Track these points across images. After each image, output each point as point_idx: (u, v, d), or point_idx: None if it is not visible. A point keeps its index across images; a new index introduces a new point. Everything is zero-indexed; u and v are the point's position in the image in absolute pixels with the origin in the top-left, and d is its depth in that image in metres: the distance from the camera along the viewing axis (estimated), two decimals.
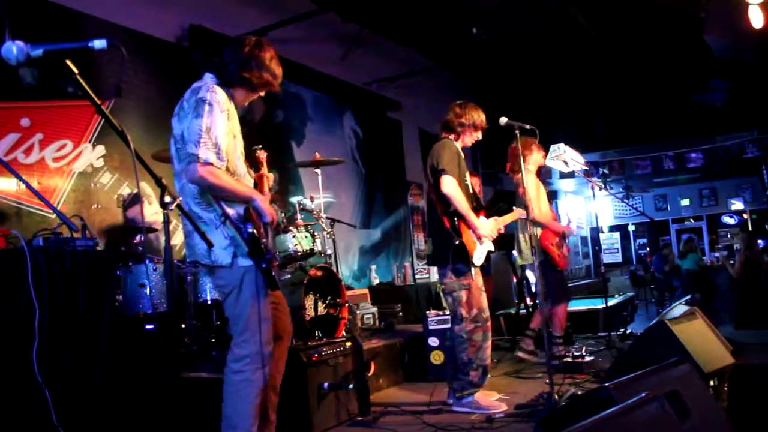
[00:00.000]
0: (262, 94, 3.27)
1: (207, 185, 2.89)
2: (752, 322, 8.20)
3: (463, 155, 4.65)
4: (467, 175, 4.65)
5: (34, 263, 2.99)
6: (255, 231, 2.91)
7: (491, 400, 4.45)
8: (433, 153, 4.56)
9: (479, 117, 4.69)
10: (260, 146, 3.71)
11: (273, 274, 2.99)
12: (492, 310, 7.05)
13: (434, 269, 10.51)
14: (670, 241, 17.52)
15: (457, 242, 4.35)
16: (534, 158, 5.85)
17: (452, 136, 4.67)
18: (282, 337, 3.34)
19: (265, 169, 3.63)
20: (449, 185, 4.36)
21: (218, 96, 2.98)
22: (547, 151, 6.16)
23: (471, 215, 4.42)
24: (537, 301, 6.92)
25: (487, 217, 4.67)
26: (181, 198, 2.40)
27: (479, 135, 4.76)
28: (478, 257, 4.46)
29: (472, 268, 4.42)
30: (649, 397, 2.41)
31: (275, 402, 3.31)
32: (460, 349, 4.40)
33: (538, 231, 5.75)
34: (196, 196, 2.97)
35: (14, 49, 1.79)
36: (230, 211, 2.95)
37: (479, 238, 4.49)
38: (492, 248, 4.66)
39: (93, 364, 3.29)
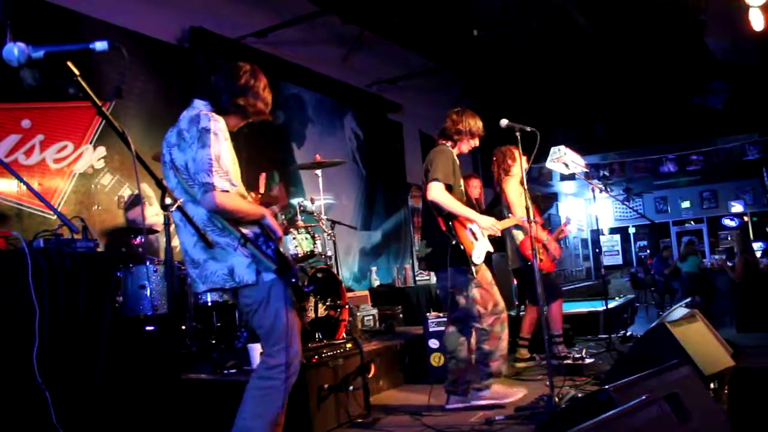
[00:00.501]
0: (251, 121, 3.29)
1: (227, 211, 2.92)
2: (754, 325, 8.20)
3: (458, 162, 4.66)
4: (461, 181, 4.69)
5: (35, 264, 2.99)
6: (278, 247, 2.99)
7: (507, 388, 4.54)
8: (428, 159, 4.60)
9: (476, 124, 4.72)
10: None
11: (300, 286, 3.07)
12: None
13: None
14: (670, 244, 17.53)
15: (453, 242, 4.35)
16: (516, 166, 5.85)
17: (449, 144, 4.68)
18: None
19: (262, 190, 3.65)
20: (434, 191, 4.39)
21: (220, 125, 3.01)
22: (547, 153, 6.17)
23: (466, 211, 4.44)
24: (521, 309, 6.99)
25: None
26: (181, 200, 2.40)
27: (476, 142, 4.78)
28: (478, 255, 4.46)
29: (473, 267, 4.43)
30: (649, 400, 2.41)
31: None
32: (483, 341, 4.48)
33: (520, 236, 5.78)
34: (207, 223, 2.98)
35: (16, 50, 1.80)
36: (249, 232, 2.98)
37: (475, 237, 4.51)
38: (491, 248, 4.66)
39: (93, 365, 3.29)
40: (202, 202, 2.92)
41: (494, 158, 6.03)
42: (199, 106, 3.12)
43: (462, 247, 4.36)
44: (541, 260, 5.71)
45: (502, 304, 4.53)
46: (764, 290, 9.40)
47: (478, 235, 4.57)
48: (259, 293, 3.01)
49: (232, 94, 3.11)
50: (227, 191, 2.89)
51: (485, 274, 4.50)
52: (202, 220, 2.98)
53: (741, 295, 9.49)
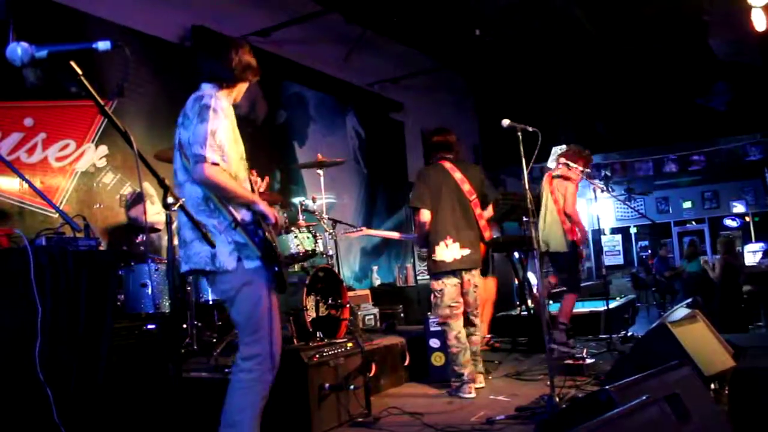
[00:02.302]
0: (252, 82, 3.34)
1: (213, 184, 2.94)
2: (733, 326, 8.26)
3: (443, 174, 5.19)
4: (447, 192, 5.15)
5: (37, 263, 3.00)
6: (268, 235, 3.00)
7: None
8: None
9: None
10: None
11: (284, 277, 3.05)
12: (494, 311, 7.17)
13: None
14: (670, 243, 17.50)
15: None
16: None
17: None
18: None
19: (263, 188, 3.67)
20: (421, 217, 5.17)
21: (221, 102, 3.06)
22: (548, 152, 6.20)
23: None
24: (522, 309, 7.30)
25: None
26: (184, 199, 2.40)
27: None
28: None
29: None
30: (649, 400, 2.41)
31: None
32: None
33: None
34: (201, 203, 3.01)
35: (19, 50, 1.81)
36: (241, 216, 3.00)
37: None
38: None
39: (94, 363, 3.30)
40: (192, 174, 2.95)
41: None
42: (205, 88, 3.18)
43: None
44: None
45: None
46: (741, 292, 9.60)
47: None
48: (238, 280, 3.01)
49: (228, 66, 3.18)
50: (217, 164, 2.91)
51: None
52: (197, 199, 3.01)
53: (722, 297, 9.65)
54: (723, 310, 9.39)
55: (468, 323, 5.19)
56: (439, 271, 5.07)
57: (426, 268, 5.37)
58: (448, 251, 5.02)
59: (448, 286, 5.05)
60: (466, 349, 5.00)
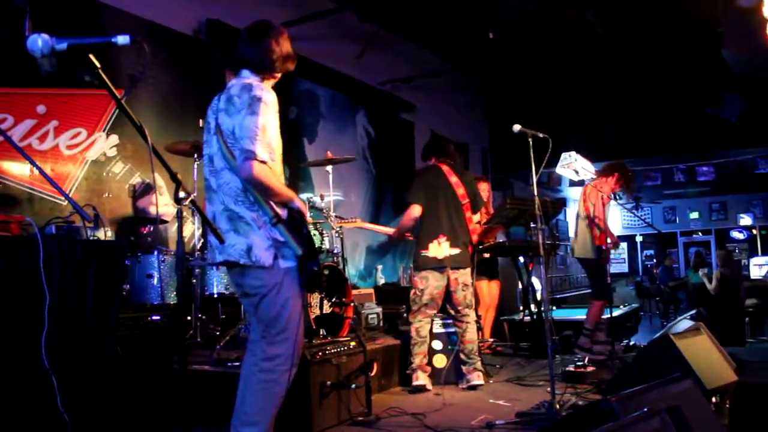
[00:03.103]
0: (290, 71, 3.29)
1: (259, 183, 2.88)
2: (730, 339, 8.27)
3: (438, 173, 5.45)
4: (442, 193, 5.33)
5: (47, 251, 3.01)
6: (309, 234, 2.97)
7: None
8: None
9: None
10: None
11: (319, 275, 3.01)
12: (497, 315, 7.20)
13: None
14: (670, 253, 17.47)
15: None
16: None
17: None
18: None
19: None
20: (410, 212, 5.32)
21: (271, 96, 2.98)
22: (558, 158, 6.21)
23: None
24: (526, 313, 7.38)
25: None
26: (195, 194, 2.42)
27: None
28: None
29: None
30: (650, 412, 2.42)
31: None
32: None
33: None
34: (240, 194, 2.96)
35: (40, 42, 1.83)
36: (282, 215, 2.96)
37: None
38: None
39: (99, 352, 3.32)
40: (240, 169, 2.87)
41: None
42: (247, 75, 3.12)
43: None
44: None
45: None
46: (737, 305, 9.65)
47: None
48: (272, 278, 2.95)
49: (270, 57, 3.12)
50: (265, 162, 2.85)
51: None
52: (236, 189, 2.95)
53: (719, 309, 9.71)
54: (720, 323, 9.41)
55: (456, 320, 5.36)
56: (427, 266, 5.24)
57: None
58: (440, 249, 5.20)
59: (431, 282, 5.24)
60: (423, 343, 5.29)
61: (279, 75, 3.21)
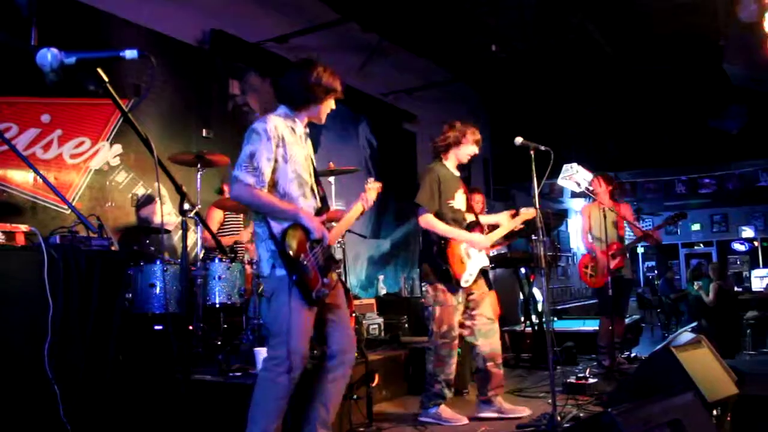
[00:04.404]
0: (331, 103, 3.60)
1: (244, 203, 3.30)
2: (726, 350, 8.28)
3: (454, 174, 4.81)
4: (457, 193, 4.77)
5: (51, 261, 3.03)
6: (291, 247, 3.18)
7: (453, 413, 4.53)
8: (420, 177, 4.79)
9: (454, 134, 4.78)
10: None
11: (309, 288, 3.19)
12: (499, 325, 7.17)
13: None
14: (672, 265, 17.46)
15: (444, 268, 4.49)
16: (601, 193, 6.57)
17: (441, 159, 4.84)
18: (335, 356, 3.46)
19: None
20: (421, 221, 4.64)
21: (268, 125, 3.28)
22: (559, 170, 6.24)
23: (457, 233, 4.57)
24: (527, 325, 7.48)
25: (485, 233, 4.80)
26: (199, 206, 2.45)
27: (470, 150, 4.80)
28: (466, 279, 4.55)
29: (459, 290, 4.55)
30: (652, 425, 2.42)
31: (324, 417, 3.43)
32: (429, 360, 4.61)
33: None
34: (254, 212, 3.34)
35: (49, 56, 1.85)
36: (276, 229, 3.22)
37: (468, 254, 4.60)
38: (486, 264, 4.73)
39: (103, 362, 3.33)
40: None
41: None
42: (278, 110, 3.47)
43: (449, 273, 4.48)
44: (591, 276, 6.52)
45: (455, 332, 4.57)
46: (734, 316, 9.73)
47: (473, 253, 4.65)
48: (270, 286, 3.28)
49: (295, 90, 3.43)
50: (249, 185, 3.16)
51: (458, 297, 4.57)
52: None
53: (716, 321, 9.78)
54: (717, 335, 9.43)
55: None
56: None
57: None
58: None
59: None
60: None
61: (313, 106, 3.51)
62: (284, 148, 3.31)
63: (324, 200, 3.54)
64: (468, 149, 4.78)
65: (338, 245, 5.88)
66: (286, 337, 3.14)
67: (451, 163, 4.81)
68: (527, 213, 4.92)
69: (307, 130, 3.57)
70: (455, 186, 4.75)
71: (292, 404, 3.32)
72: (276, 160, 3.27)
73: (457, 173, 4.84)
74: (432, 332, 4.58)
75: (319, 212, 3.46)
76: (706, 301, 10.58)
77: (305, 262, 3.21)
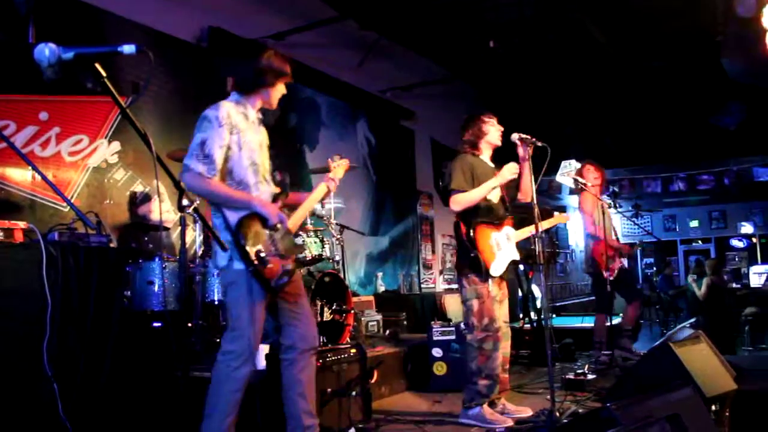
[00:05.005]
0: (282, 87, 3.50)
1: (196, 192, 3.13)
2: (720, 347, 8.31)
3: (487, 166, 4.64)
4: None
5: (49, 257, 3.03)
6: (247, 238, 3.11)
7: (497, 414, 4.40)
8: (447, 170, 4.63)
9: (480, 128, 4.68)
10: None
11: (267, 278, 3.15)
12: None
13: (440, 279, 10.59)
14: (670, 262, 17.48)
15: (472, 255, 4.37)
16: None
17: (468, 150, 4.67)
18: (298, 345, 3.43)
19: None
20: (452, 205, 4.47)
21: (219, 112, 3.21)
22: (558, 166, 6.25)
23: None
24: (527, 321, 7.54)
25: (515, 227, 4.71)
26: (198, 201, 2.45)
27: (494, 133, 4.70)
28: (496, 268, 4.45)
29: (490, 280, 4.44)
30: (650, 420, 2.43)
31: (305, 407, 3.42)
32: (470, 357, 4.42)
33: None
34: (209, 203, 3.24)
35: (47, 51, 1.85)
36: (231, 219, 3.15)
37: (499, 246, 4.50)
38: (516, 257, 4.65)
39: (101, 359, 3.33)
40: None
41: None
42: (230, 97, 3.38)
43: (480, 259, 4.36)
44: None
45: (498, 323, 4.46)
46: (725, 311, 9.80)
47: (503, 245, 4.55)
48: (226, 278, 3.22)
49: (246, 76, 3.37)
50: (200, 173, 3.08)
51: (492, 288, 4.47)
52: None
53: (707, 316, 9.87)
54: (710, 331, 9.49)
55: None
56: None
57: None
58: None
59: None
60: None
61: (263, 90, 3.43)
62: (238, 135, 3.25)
63: (283, 186, 3.51)
64: (493, 134, 4.68)
65: (337, 242, 5.88)
66: (246, 330, 3.13)
67: (485, 155, 4.69)
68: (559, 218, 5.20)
69: (260, 116, 3.48)
70: (490, 177, 4.56)
71: (262, 401, 3.31)
72: (230, 147, 3.21)
73: (492, 165, 4.69)
74: (473, 327, 4.41)
75: (275, 198, 3.43)
76: (698, 295, 10.70)
77: (262, 253, 3.15)
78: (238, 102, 3.36)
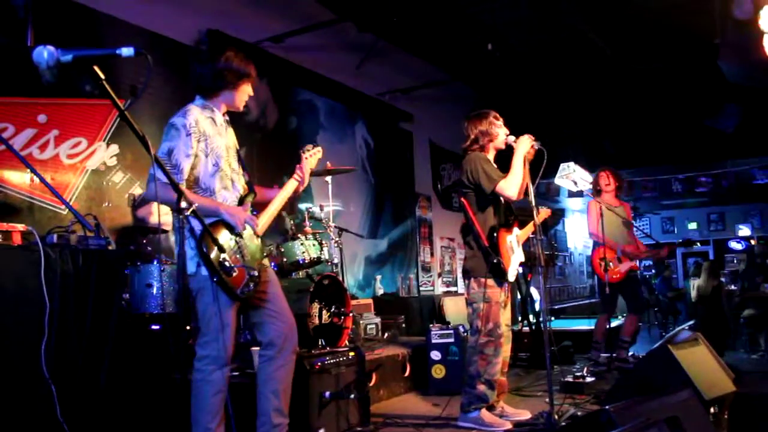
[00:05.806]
0: (248, 89, 3.46)
1: (163, 201, 3.04)
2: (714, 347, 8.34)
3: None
4: None
5: (48, 260, 3.03)
6: (211, 248, 3.07)
7: (495, 418, 4.40)
8: (465, 167, 4.53)
9: (489, 127, 4.61)
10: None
11: (231, 286, 3.12)
12: None
13: (438, 282, 10.58)
14: (669, 264, 17.49)
15: (495, 261, 4.33)
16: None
17: (477, 149, 4.62)
18: (275, 343, 3.40)
19: None
20: (510, 190, 4.34)
21: (187, 119, 3.19)
22: (556, 169, 6.26)
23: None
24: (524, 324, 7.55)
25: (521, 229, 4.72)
26: (196, 205, 2.44)
27: (498, 145, 4.65)
28: (512, 272, 4.46)
29: (504, 284, 4.44)
30: (649, 422, 2.43)
31: (276, 405, 3.38)
32: (471, 361, 4.41)
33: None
34: (175, 212, 3.13)
35: (45, 53, 1.85)
36: (196, 227, 3.08)
37: (512, 249, 4.50)
38: (523, 258, 4.66)
39: (99, 361, 3.32)
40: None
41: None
42: (195, 101, 3.35)
43: (502, 265, 4.34)
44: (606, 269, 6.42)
45: (501, 329, 4.43)
46: (721, 314, 9.86)
47: (515, 247, 4.56)
48: (195, 284, 3.16)
49: (206, 77, 3.33)
50: (166, 183, 2.93)
51: (500, 294, 4.44)
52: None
53: (703, 318, 9.92)
54: (704, 333, 9.53)
55: None
56: None
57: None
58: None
59: None
60: None
61: (226, 92, 3.41)
62: (205, 141, 3.22)
63: (250, 186, 3.48)
64: (501, 138, 4.60)
65: (335, 245, 5.88)
66: (216, 334, 3.11)
67: (491, 156, 4.64)
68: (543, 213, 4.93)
69: (227, 118, 3.46)
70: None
71: (236, 410, 3.30)
72: (196, 155, 3.19)
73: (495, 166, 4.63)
74: (476, 330, 4.39)
75: (243, 200, 3.40)
76: (691, 296, 10.76)
77: (226, 263, 3.11)
78: (205, 106, 3.33)
